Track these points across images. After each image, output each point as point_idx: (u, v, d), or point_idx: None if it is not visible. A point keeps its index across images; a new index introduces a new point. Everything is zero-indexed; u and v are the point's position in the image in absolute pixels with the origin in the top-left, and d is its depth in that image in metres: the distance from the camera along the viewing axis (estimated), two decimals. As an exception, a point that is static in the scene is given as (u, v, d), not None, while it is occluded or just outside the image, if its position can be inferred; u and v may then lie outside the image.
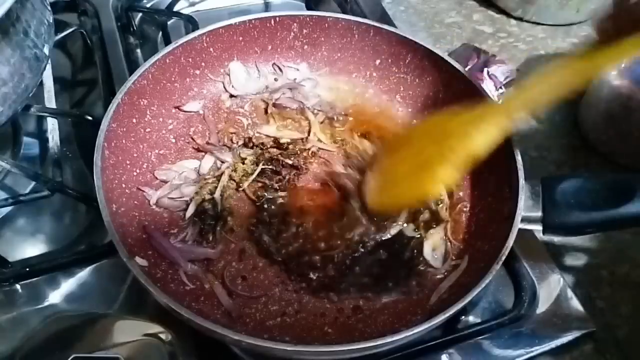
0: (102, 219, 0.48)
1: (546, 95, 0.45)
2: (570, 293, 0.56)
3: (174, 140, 0.63)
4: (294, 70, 0.70)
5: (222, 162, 0.62)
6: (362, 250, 0.56)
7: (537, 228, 0.52)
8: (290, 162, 0.62)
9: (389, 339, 0.44)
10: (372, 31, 0.67)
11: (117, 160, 0.56)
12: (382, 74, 0.69)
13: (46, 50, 0.56)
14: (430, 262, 0.56)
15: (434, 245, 0.57)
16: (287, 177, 0.61)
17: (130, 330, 0.50)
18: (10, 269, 0.55)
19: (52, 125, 0.63)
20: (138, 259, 0.50)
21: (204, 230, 0.56)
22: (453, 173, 0.48)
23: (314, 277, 0.54)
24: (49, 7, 0.59)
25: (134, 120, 0.60)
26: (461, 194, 0.61)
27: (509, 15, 0.89)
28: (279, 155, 0.63)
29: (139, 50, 0.78)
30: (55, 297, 0.54)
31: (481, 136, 0.47)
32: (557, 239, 0.61)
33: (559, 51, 0.84)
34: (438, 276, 0.55)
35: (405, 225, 0.58)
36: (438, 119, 0.52)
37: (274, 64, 0.70)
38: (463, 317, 0.55)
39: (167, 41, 0.76)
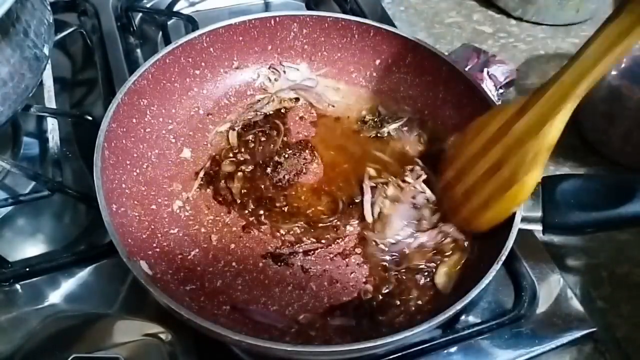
0: (102, 219, 0.48)
1: (598, 64, 0.44)
2: (570, 293, 0.56)
3: (173, 140, 0.63)
4: (294, 70, 0.70)
5: None
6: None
7: (537, 228, 0.52)
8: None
9: (389, 339, 0.44)
10: (372, 31, 0.67)
11: (117, 160, 0.56)
12: (382, 74, 0.69)
13: (46, 50, 0.56)
14: (440, 289, 0.53)
15: (449, 274, 0.54)
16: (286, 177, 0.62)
17: (130, 330, 0.50)
18: (10, 269, 0.55)
19: (52, 125, 0.63)
20: (138, 259, 0.50)
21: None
22: (539, 174, 0.48)
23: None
24: (49, 7, 0.59)
25: (134, 120, 0.59)
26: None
27: (509, 15, 0.89)
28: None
29: (139, 50, 0.78)
30: (55, 297, 0.54)
31: (554, 129, 0.47)
32: (557, 239, 0.61)
33: (559, 51, 0.84)
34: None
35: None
36: (496, 123, 0.51)
37: (272, 64, 0.70)
38: (463, 317, 0.55)
39: (167, 41, 0.76)
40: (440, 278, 0.53)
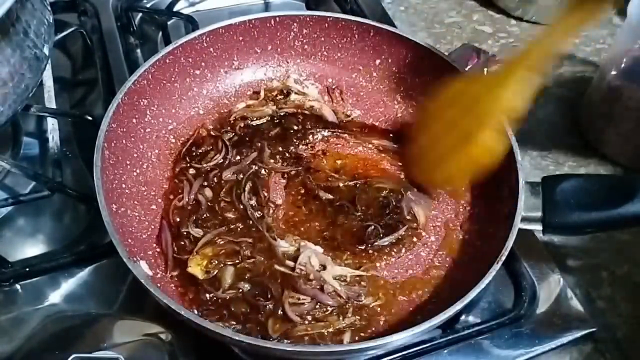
0: (102, 219, 0.48)
1: (560, 40, 0.49)
2: (570, 293, 0.56)
3: (174, 141, 0.63)
4: (295, 70, 0.70)
5: None
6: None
7: (537, 228, 0.52)
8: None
9: (388, 339, 0.44)
10: (372, 31, 0.67)
11: (117, 160, 0.56)
12: (382, 74, 0.69)
13: (46, 50, 0.56)
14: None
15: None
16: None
17: (130, 330, 0.50)
18: (10, 269, 0.55)
19: (52, 125, 0.63)
20: (138, 259, 0.50)
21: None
22: (498, 137, 0.50)
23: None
24: (49, 7, 0.59)
25: (134, 121, 0.60)
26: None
27: (509, 15, 0.89)
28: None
29: (139, 50, 0.78)
30: (55, 297, 0.54)
31: (513, 94, 0.49)
32: (557, 239, 0.61)
33: (559, 51, 0.84)
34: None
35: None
36: (460, 87, 0.54)
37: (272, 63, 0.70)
38: (463, 317, 0.55)
39: (167, 41, 0.76)
40: None
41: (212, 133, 0.64)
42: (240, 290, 0.52)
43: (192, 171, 0.61)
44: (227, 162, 0.62)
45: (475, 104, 0.51)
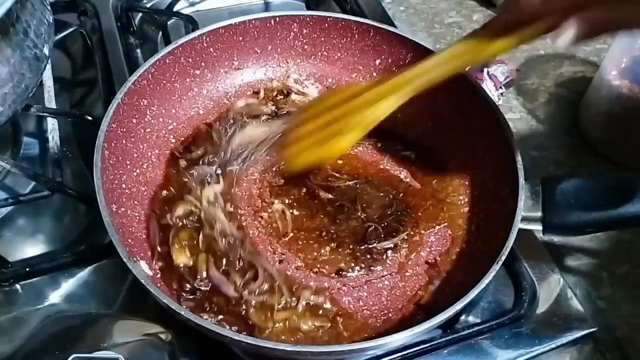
0: (102, 219, 0.48)
1: (440, 73, 0.50)
2: (570, 293, 0.56)
3: (174, 141, 0.63)
4: (295, 70, 0.70)
5: None
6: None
7: (537, 228, 0.52)
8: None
9: (388, 339, 0.44)
10: (372, 31, 0.67)
11: (117, 160, 0.56)
12: (382, 74, 0.69)
13: (46, 50, 0.56)
14: None
15: None
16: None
17: (130, 330, 0.50)
18: (10, 269, 0.55)
19: (52, 125, 0.63)
20: (138, 259, 0.50)
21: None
22: (352, 140, 0.54)
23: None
24: (49, 7, 0.59)
25: (134, 121, 0.60)
26: (461, 196, 0.61)
27: (509, 15, 0.88)
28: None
29: (139, 50, 0.78)
30: (55, 297, 0.54)
31: (379, 108, 0.52)
32: (557, 239, 0.61)
33: (559, 51, 0.84)
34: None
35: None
36: (348, 89, 0.57)
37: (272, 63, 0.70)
38: (463, 317, 0.55)
39: (167, 41, 0.76)
40: None
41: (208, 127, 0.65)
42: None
43: (183, 163, 0.61)
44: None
45: (351, 111, 0.54)
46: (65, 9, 0.80)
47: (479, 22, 0.88)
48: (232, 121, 0.64)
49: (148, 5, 0.84)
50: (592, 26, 0.40)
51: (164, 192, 0.59)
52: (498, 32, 0.46)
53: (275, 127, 0.61)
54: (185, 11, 0.83)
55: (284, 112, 0.67)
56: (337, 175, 0.62)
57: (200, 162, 0.61)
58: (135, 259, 0.49)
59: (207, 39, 0.64)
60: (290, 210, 0.59)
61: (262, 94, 0.69)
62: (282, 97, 0.68)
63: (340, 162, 0.64)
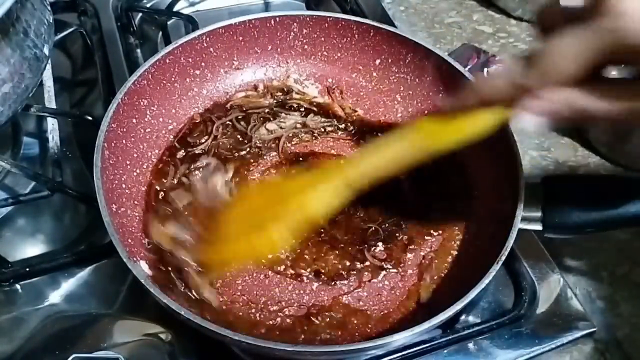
0: (102, 219, 0.48)
1: (384, 165, 0.46)
2: (570, 293, 0.56)
3: (174, 141, 0.63)
4: (295, 70, 0.70)
5: None
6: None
7: (537, 228, 0.52)
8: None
9: (388, 339, 0.44)
10: (372, 31, 0.67)
11: (117, 160, 0.56)
12: (382, 74, 0.69)
13: (46, 50, 0.56)
14: None
15: None
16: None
17: (130, 330, 0.50)
18: (10, 269, 0.55)
19: (52, 125, 0.63)
20: (138, 259, 0.50)
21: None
22: (286, 236, 0.47)
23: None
24: (49, 7, 0.59)
25: (134, 121, 0.60)
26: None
27: (509, 15, 0.88)
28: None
29: (139, 50, 0.78)
30: (55, 297, 0.54)
31: (316, 202, 0.47)
32: (557, 239, 0.61)
33: (559, 51, 0.84)
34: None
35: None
36: (286, 179, 0.54)
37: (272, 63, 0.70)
38: (463, 317, 0.55)
39: (167, 41, 0.76)
40: None
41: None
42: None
43: (180, 154, 0.61)
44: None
45: (288, 200, 0.49)
46: (65, 9, 0.80)
47: (479, 22, 0.88)
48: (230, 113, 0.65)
49: (148, 5, 0.84)
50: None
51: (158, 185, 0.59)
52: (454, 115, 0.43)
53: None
54: (185, 11, 0.83)
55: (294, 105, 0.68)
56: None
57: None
58: (135, 259, 0.49)
59: (207, 39, 0.64)
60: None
61: (261, 88, 0.69)
62: (282, 94, 0.69)
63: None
